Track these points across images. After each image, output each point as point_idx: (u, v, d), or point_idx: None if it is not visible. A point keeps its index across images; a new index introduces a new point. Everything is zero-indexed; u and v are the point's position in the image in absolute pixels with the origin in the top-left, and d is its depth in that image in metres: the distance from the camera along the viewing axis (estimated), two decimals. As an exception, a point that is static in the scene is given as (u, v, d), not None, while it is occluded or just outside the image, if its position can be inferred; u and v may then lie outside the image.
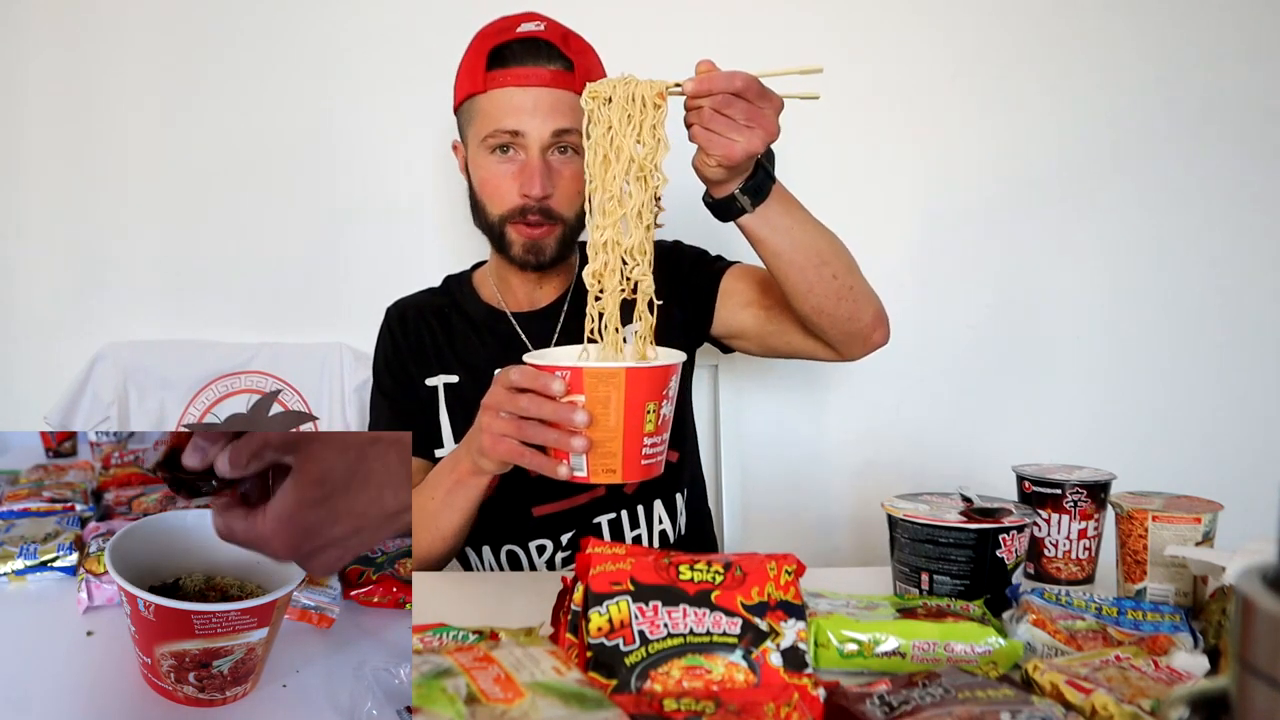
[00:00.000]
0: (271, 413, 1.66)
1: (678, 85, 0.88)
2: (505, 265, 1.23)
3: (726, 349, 1.30)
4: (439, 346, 1.26)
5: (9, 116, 1.68)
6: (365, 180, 1.70)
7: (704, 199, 0.98)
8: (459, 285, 1.32)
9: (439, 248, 1.69)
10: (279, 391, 1.66)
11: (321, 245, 1.70)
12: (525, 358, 0.89)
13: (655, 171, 0.90)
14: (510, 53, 1.13)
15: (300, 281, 1.70)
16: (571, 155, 1.15)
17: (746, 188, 0.95)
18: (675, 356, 0.91)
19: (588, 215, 0.93)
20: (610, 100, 0.90)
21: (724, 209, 0.97)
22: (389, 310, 1.32)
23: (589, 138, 0.92)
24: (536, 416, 0.87)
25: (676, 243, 1.32)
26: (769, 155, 0.98)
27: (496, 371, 0.94)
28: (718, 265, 1.28)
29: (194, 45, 1.68)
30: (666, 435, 0.89)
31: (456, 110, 1.20)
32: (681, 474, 1.29)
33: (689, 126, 0.90)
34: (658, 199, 0.92)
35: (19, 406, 1.70)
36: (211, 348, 1.67)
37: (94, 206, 1.70)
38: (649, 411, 0.84)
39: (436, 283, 1.35)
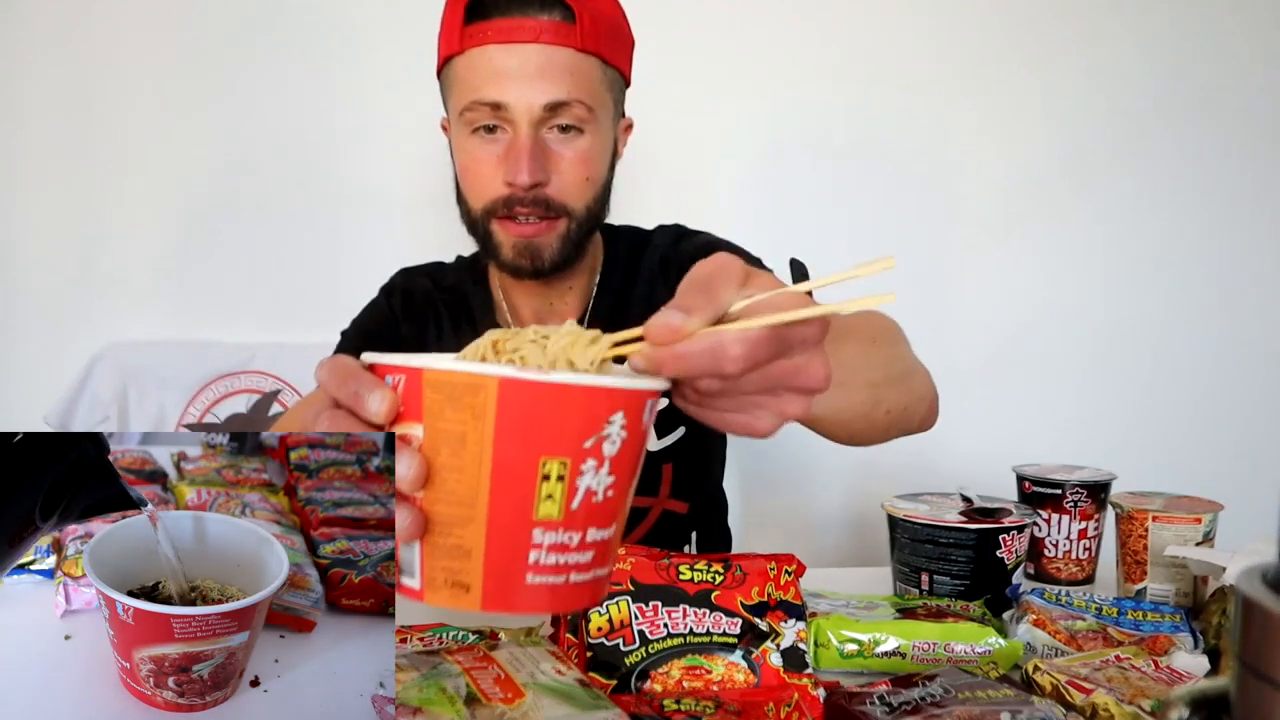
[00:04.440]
0: (271, 412, 1.65)
1: (619, 345, 0.45)
2: (502, 273, 1.03)
3: None
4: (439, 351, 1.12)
5: (9, 116, 1.68)
6: (366, 178, 1.70)
7: None
8: (473, 283, 1.10)
9: (442, 245, 1.68)
10: (279, 391, 1.66)
11: (321, 244, 1.70)
12: (365, 356, 0.46)
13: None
14: (492, 0, 0.90)
15: (299, 281, 1.70)
16: (574, 134, 0.92)
17: None
18: (634, 378, 0.44)
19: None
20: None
21: None
22: (395, 280, 1.13)
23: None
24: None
25: (678, 237, 1.05)
26: (799, 266, 0.67)
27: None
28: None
29: (194, 45, 1.68)
30: (610, 532, 0.45)
31: (439, 78, 0.98)
32: (689, 526, 1.10)
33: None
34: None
35: (18, 407, 1.70)
36: (211, 348, 1.67)
37: (94, 206, 1.70)
38: (547, 476, 0.42)
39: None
